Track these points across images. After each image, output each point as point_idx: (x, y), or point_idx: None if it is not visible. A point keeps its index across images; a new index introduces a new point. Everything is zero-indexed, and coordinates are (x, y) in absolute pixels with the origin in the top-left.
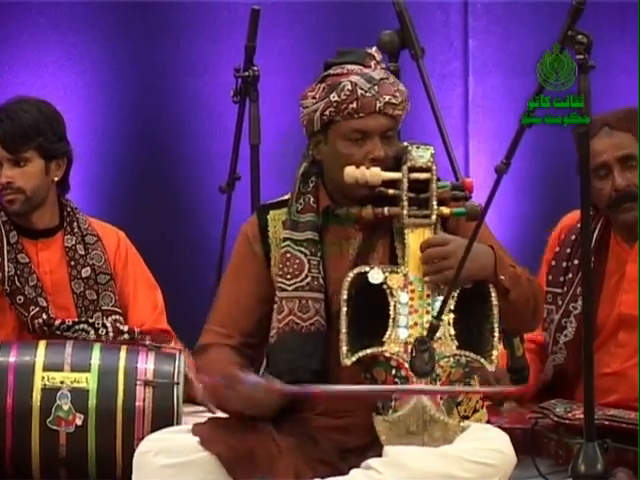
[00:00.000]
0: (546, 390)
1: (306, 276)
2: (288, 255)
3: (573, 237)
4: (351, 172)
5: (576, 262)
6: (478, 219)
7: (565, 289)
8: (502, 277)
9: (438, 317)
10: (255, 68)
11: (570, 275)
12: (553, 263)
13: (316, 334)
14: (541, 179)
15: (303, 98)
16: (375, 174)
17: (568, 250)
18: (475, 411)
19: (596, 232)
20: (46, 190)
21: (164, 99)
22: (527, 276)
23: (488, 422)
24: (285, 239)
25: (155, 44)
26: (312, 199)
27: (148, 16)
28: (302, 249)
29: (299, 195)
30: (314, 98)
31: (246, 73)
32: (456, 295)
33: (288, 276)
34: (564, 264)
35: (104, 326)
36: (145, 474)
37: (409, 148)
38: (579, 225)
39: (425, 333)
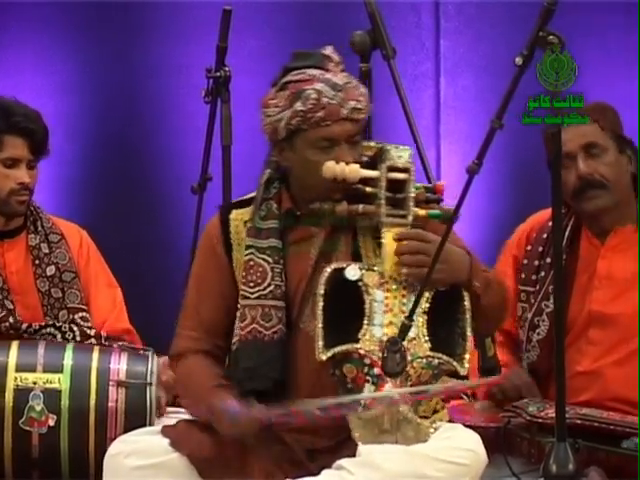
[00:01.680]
0: None
1: (269, 284)
2: (252, 263)
3: (545, 235)
4: (331, 167)
5: (548, 260)
6: (452, 223)
7: (537, 287)
8: (476, 284)
9: (409, 317)
10: (226, 68)
11: (542, 273)
12: (525, 262)
13: (278, 342)
14: (512, 179)
15: (265, 106)
16: (354, 170)
17: (540, 248)
18: (435, 412)
19: (567, 230)
20: None
21: (135, 99)
22: (497, 280)
23: (451, 420)
24: (248, 247)
25: (126, 45)
26: (275, 205)
27: (119, 17)
28: (265, 257)
29: (262, 202)
30: (277, 107)
31: (217, 73)
32: (430, 297)
33: (251, 284)
34: (536, 262)
35: (71, 330)
36: (116, 476)
37: (387, 147)
38: (550, 223)
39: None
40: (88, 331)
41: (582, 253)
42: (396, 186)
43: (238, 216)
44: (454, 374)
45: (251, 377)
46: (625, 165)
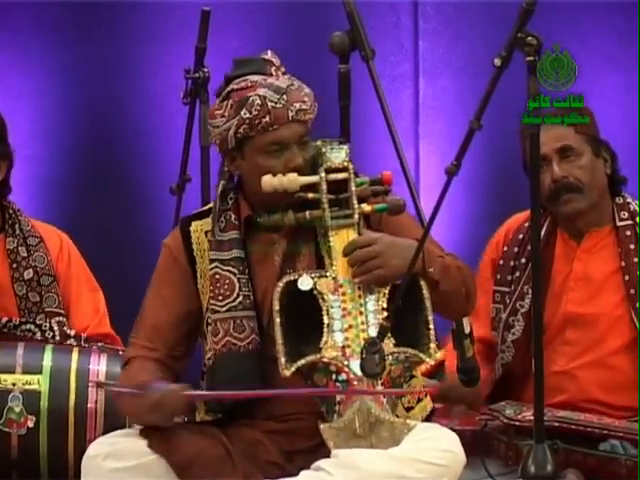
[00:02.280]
0: (494, 389)
1: (237, 295)
2: (217, 277)
3: (520, 236)
4: (269, 182)
5: (523, 261)
6: (401, 212)
7: (513, 288)
8: (431, 269)
9: (387, 318)
10: (205, 69)
11: (517, 274)
12: (501, 262)
13: (254, 352)
14: (491, 180)
15: (211, 117)
16: (292, 180)
17: (515, 249)
18: (419, 400)
19: (543, 230)
20: None
21: (114, 100)
22: (457, 264)
23: (428, 417)
24: (212, 260)
25: (105, 45)
26: (233, 216)
27: (98, 17)
28: (230, 268)
29: (220, 213)
30: (223, 116)
31: (196, 74)
32: (386, 292)
33: (220, 297)
34: (512, 263)
35: (51, 329)
36: (94, 478)
37: (323, 150)
38: (527, 225)
39: (361, 335)
40: (68, 331)
41: (558, 254)
42: (339, 186)
43: (198, 227)
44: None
45: (232, 389)
46: (601, 168)
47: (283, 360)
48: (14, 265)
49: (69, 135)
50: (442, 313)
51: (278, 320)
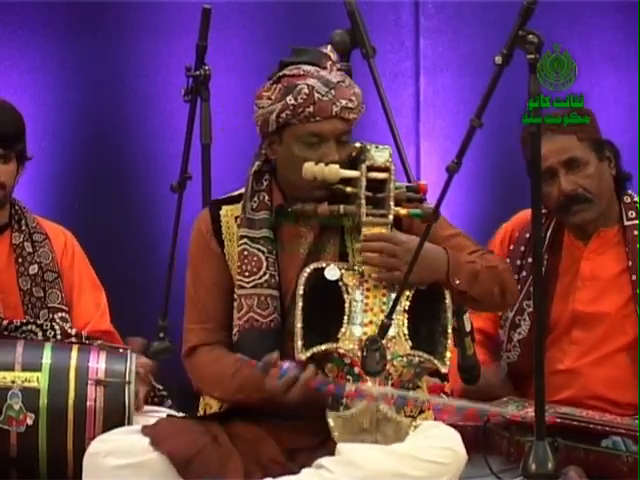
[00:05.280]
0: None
1: (264, 273)
2: (246, 253)
3: (527, 235)
4: (310, 168)
5: (530, 260)
6: (433, 220)
7: (519, 287)
8: (457, 281)
9: (389, 316)
10: (206, 67)
11: (524, 273)
12: (507, 261)
13: (275, 330)
14: (492, 178)
15: (258, 98)
16: (333, 171)
17: (522, 248)
18: (421, 412)
19: (549, 230)
20: (13, 189)
21: (115, 98)
22: (488, 263)
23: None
24: (242, 237)
25: (106, 43)
26: (266, 197)
27: (99, 15)
28: (259, 246)
29: (253, 193)
30: (270, 99)
31: (197, 72)
32: (410, 295)
33: (247, 274)
34: (518, 262)
35: (52, 328)
36: (95, 475)
37: (367, 147)
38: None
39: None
40: (69, 330)
41: (565, 253)
42: (377, 186)
43: (228, 212)
44: (436, 372)
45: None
46: (606, 171)
47: (300, 344)
48: (19, 260)
49: (70, 133)
50: (476, 310)
51: (301, 304)
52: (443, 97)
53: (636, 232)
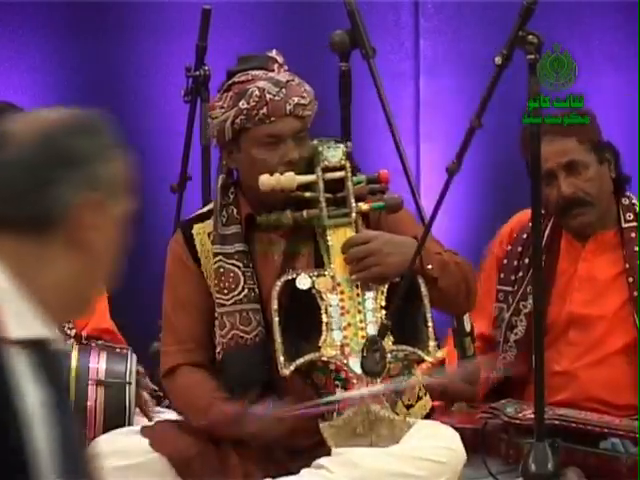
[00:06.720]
0: (496, 389)
1: (243, 288)
2: (222, 270)
3: (525, 236)
4: (266, 180)
5: (527, 261)
6: (398, 210)
7: (516, 287)
8: (429, 267)
9: (387, 317)
10: (206, 68)
11: (521, 273)
12: (505, 262)
13: (261, 345)
14: (491, 179)
15: (211, 109)
16: (289, 179)
17: (519, 249)
18: (419, 398)
19: (547, 230)
20: None
21: (115, 99)
22: (455, 260)
23: (428, 415)
24: (216, 254)
25: (106, 43)
26: (234, 210)
27: (99, 15)
28: (234, 262)
29: (222, 208)
30: (222, 108)
31: (197, 73)
32: (384, 291)
33: (225, 291)
34: (515, 262)
35: None
36: None
37: (320, 149)
38: (530, 224)
39: (360, 333)
40: (68, 331)
41: (562, 254)
42: (337, 185)
43: (200, 230)
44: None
45: (241, 383)
46: (606, 174)
47: (282, 359)
48: None
49: None
50: (443, 310)
51: (277, 319)
52: (443, 98)
53: (633, 234)
